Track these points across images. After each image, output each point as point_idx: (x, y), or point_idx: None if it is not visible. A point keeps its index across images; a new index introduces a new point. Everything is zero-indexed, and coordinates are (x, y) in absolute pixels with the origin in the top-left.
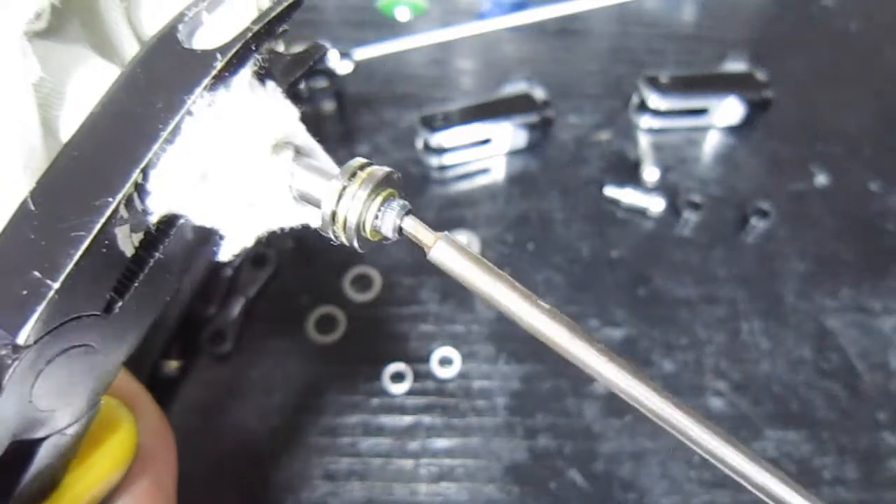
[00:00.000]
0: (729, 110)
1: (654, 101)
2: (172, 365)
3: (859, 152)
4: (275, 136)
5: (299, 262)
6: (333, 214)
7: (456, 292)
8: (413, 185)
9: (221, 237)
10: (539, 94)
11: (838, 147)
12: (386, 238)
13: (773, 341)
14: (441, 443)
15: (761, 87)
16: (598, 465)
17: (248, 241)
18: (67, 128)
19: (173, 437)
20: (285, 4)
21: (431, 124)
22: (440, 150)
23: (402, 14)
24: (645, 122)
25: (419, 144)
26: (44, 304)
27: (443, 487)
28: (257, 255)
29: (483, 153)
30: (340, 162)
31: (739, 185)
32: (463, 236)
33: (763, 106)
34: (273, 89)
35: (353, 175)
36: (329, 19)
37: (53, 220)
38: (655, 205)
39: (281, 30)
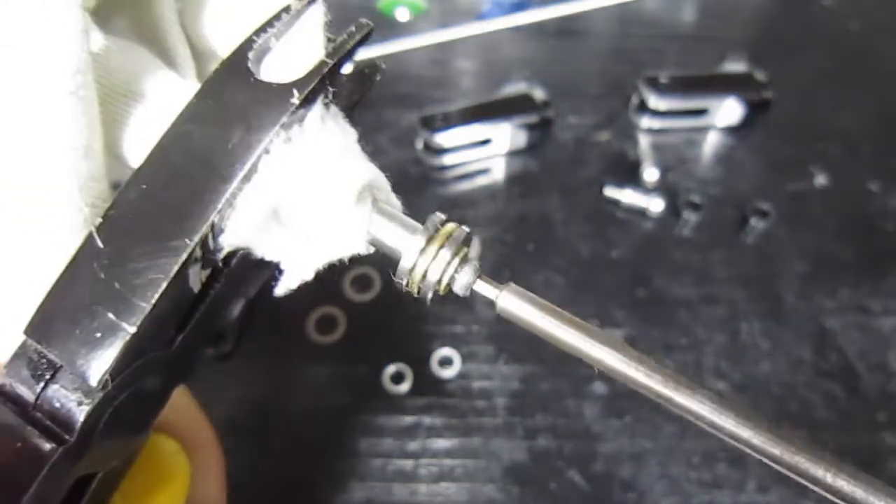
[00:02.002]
0: (729, 110)
1: (654, 101)
2: None
3: (859, 152)
4: (360, 182)
5: None
6: (412, 269)
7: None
8: (413, 185)
9: (281, 270)
10: (539, 94)
11: (838, 147)
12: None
13: (773, 341)
14: (441, 443)
15: (761, 87)
16: (598, 465)
17: (309, 276)
18: (131, 146)
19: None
20: (359, 36)
21: (431, 124)
22: (440, 151)
23: (402, 14)
24: (645, 122)
25: (419, 144)
26: (121, 348)
27: (443, 487)
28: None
29: (483, 153)
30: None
31: (739, 186)
32: None
33: (763, 106)
34: (336, 116)
35: (435, 232)
36: (329, 19)
37: (126, 260)
38: (655, 205)
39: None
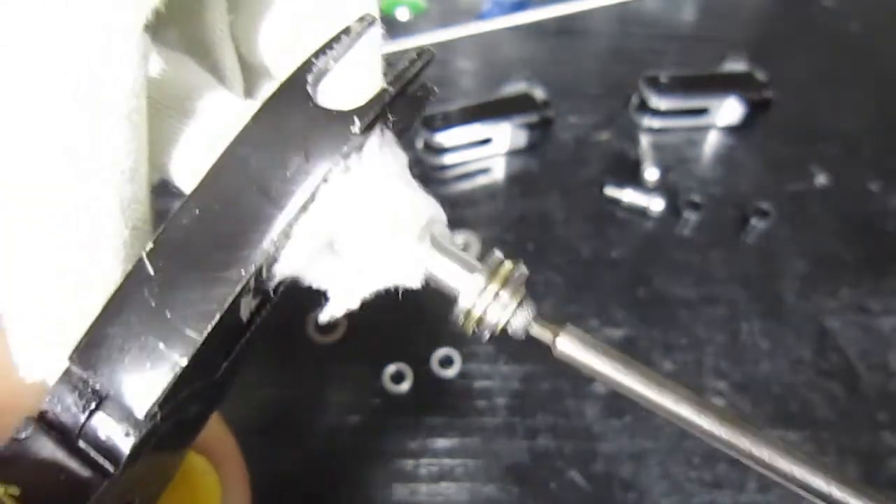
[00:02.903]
0: (729, 110)
1: (655, 100)
2: None
3: (859, 152)
4: (425, 218)
5: None
6: (470, 310)
7: None
8: None
9: (327, 298)
10: (539, 94)
11: (838, 147)
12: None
13: (773, 341)
14: (441, 443)
15: (761, 87)
16: (598, 465)
17: (355, 305)
18: (178, 167)
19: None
20: (422, 64)
21: (431, 124)
22: (440, 150)
23: (402, 14)
24: (645, 121)
25: (419, 144)
26: (171, 380)
27: (443, 487)
28: None
29: (483, 153)
30: None
31: (739, 185)
32: (463, 236)
33: (763, 106)
34: (391, 142)
35: (495, 271)
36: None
37: (178, 289)
38: (656, 205)
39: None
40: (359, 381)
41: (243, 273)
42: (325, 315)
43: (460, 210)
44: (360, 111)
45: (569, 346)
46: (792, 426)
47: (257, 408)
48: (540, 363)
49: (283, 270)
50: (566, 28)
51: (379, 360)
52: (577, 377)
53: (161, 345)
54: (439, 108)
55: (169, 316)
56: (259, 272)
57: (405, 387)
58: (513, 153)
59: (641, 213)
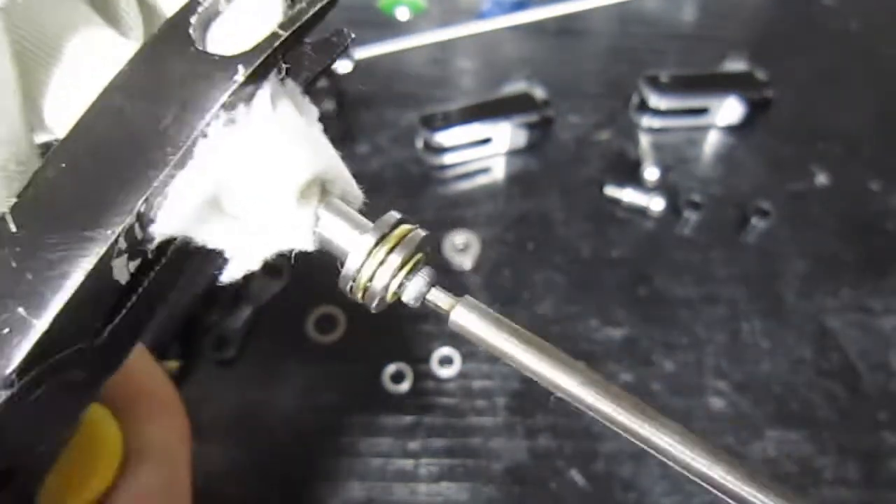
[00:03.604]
0: (729, 110)
1: (654, 100)
2: (172, 366)
3: (859, 152)
4: (304, 177)
5: (298, 262)
6: (357, 272)
7: (456, 292)
8: (413, 184)
9: (225, 259)
10: (539, 94)
11: (838, 147)
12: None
13: (774, 341)
14: (441, 443)
15: (761, 86)
16: (598, 465)
17: (255, 265)
18: (53, 110)
19: (188, 432)
20: (319, 5)
21: (431, 124)
22: (440, 150)
23: (402, 14)
24: (645, 121)
25: (419, 144)
26: (30, 346)
27: (443, 487)
28: (271, 266)
29: (483, 153)
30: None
31: (739, 185)
32: (463, 236)
33: (763, 106)
34: (294, 93)
35: (386, 234)
36: (329, 19)
37: (40, 249)
38: (656, 204)
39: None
40: (358, 381)
41: (109, 233)
42: (226, 276)
43: (460, 210)
44: (245, 57)
45: (465, 317)
46: (792, 426)
47: (256, 407)
48: None
49: (161, 231)
50: (566, 28)
51: (379, 360)
52: None
53: (21, 308)
54: (439, 108)
55: (30, 277)
56: (130, 232)
57: (405, 387)
58: (513, 153)
59: (641, 212)
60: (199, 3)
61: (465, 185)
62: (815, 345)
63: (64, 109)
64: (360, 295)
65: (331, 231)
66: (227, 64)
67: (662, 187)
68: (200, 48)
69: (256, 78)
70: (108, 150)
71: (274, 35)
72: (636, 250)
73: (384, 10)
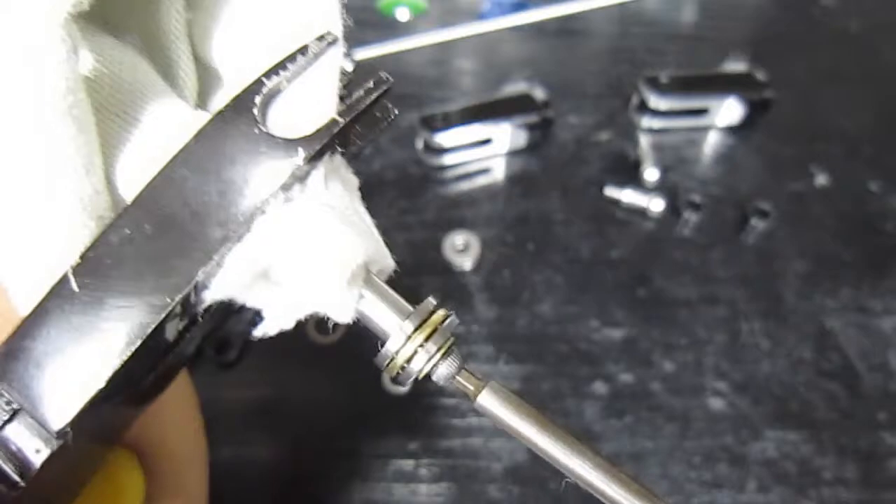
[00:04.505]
0: (729, 110)
1: (655, 101)
2: None
3: (859, 152)
4: (355, 263)
5: None
6: (395, 354)
7: (456, 292)
8: (413, 185)
9: (261, 317)
10: (539, 94)
11: (838, 147)
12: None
13: (773, 341)
14: (441, 443)
15: (761, 87)
16: None
17: (289, 325)
18: (119, 172)
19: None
20: (377, 94)
21: (431, 124)
22: (440, 151)
23: (402, 14)
24: (645, 122)
25: (419, 144)
26: (86, 401)
27: (443, 487)
28: None
29: (483, 153)
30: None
31: (739, 185)
32: (463, 236)
33: (763, 106)
34: (340, 168)
35: (425, 320)
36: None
37: (101, 309)
38: (655, 205)
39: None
40: (358, 382)
41: (169, 301)
42: (259, 331)
43: (460, 210)
44: (306, 141)
45: (490, 402)
46: (792, 426)
47: (257, 408)
48: (540, 363)
49: (213, 296)
50: (566, 28)
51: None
52: (578, 377)
53: (78, 365)
54: (439, 109)
55: (89, 337)
56: (187, 298)
57: (405, 387)
58: (513, 153)
59: (641, 213)
60: (263, 83)
61: (465, 186)
62: (815, 345)
63: (129, 174)
64: (393, 374)
65: (372, 310)
66: (289, 146)
67: (662, 188)
68: (264, 129)
69: (314, 160)
70: (172, 219)
71: (333, 122)
72: (636, 251)
73: (384, 10)
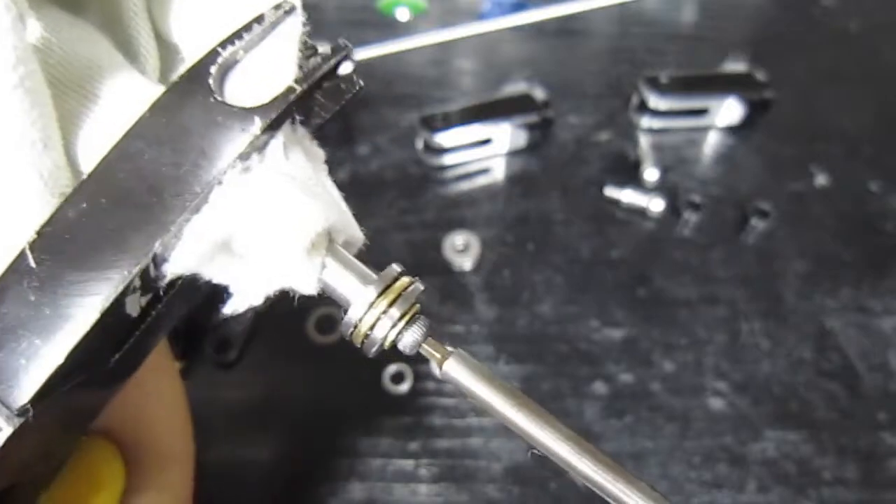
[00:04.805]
0: (729, 110)
1: (655, 101)
2: None
3: (859, 152)
4: (316, 230)
5: None
6: (359, 322)
7: (456, 292)
8: (413, 185)
9: (229, 294)
10: (539, 94)
11: (838, 147)
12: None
13: (773, 341)
14: (441, 443)
15: (761, 87)
16: None
17: (258, 301)
18: (79, 149)
19: (189, 489)
20: (335, 60)
21: (431, 124)
22: (440, 151)
23: (402, 14)
24: (645, 122)
25: (419, 144)
26: (45, 377)
27: (443, 487)
28: None
29: (483, 153)
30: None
31: (739, 185)
32: (463, 237)
33: (763, 106)
34: (303, 139)
35: (388, 287)
36: (329, 19)
37: (58, 285)
38: (655, 205)
39: (326, 85)
40: (359, 381)
41: (126, 273)
42: (228, 308)
43: (460, 210)
44: (262, 109)
45: (456, 370)
46: (792, 426)
47: (256, 408)
48: (540, 363)
49: (174, 269)
50: (566, 28)
51: (379, 361)
52: (578, 377)
53: (37, 341)
54: (439, 109)
55: (48, 312)
56: (145, 271)
57: (405, 387)
58: (513, 153)
59: (641, 213)
60: (219, 53)
61: (465, 186)
62: (815, 345)
63: (89, 151)
64: (358, 342)
65: (335, 280)
66: (245, 116)
67: (662, 188)
68: (219, 98)
69: (271, 129)
70: (128, 192)
71: (290, 89)
72: (636, 251)
73: (384, 10)
